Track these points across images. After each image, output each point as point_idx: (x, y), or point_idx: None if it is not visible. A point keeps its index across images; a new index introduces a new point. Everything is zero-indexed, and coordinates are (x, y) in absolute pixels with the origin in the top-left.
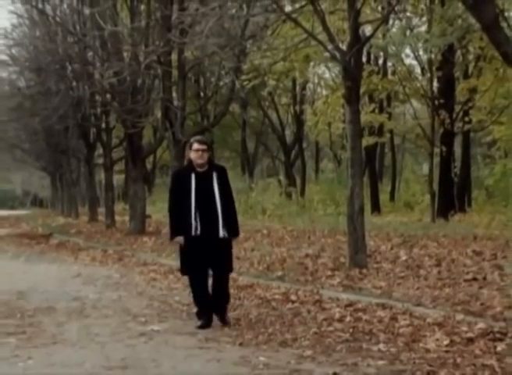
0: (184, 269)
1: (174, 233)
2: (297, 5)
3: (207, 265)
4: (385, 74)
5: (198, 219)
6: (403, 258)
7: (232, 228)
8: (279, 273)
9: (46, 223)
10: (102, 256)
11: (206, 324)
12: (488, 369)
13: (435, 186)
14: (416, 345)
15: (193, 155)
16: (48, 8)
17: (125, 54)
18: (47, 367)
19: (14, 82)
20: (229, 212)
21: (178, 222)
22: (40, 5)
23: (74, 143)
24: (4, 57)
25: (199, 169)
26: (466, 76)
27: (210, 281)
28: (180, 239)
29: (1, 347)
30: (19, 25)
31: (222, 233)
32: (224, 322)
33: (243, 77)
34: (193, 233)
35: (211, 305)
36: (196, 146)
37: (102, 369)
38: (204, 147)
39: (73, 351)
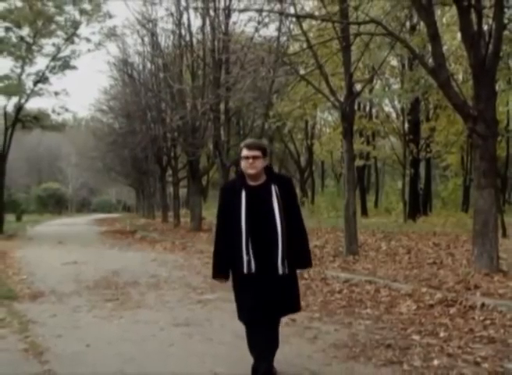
0: (241, 315)
1: (217, 270)
2: (308, 70)
3: (266, 309)
4: (370, 118)
5: (251, 252)
6: (384, 248)
7: (303, 257)
8: None
9: (132, 223)
10: (171, 246)
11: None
12: (444, 326)
13: (407, 197)
14: (393, 310)
15: (242, 165)
16: (135, 74)
17: (187, 104)
18: (133, 324)
19: (111, 125)
20: (297, 236)
21: (223, 256)
22: (129, 71)
23: (152, 167)
24: (104, 107)
25: (252, 183)
26: (428, 119)
27: None
28: (222, 281)
29: (102, 309)
30: (115, 85)
31: (281, 269)
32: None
33: (270, 120)
34: (245, 270)
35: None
36: (245, 152)
37: (171, 325)
38: (256, 153)
39: (151, 312)
